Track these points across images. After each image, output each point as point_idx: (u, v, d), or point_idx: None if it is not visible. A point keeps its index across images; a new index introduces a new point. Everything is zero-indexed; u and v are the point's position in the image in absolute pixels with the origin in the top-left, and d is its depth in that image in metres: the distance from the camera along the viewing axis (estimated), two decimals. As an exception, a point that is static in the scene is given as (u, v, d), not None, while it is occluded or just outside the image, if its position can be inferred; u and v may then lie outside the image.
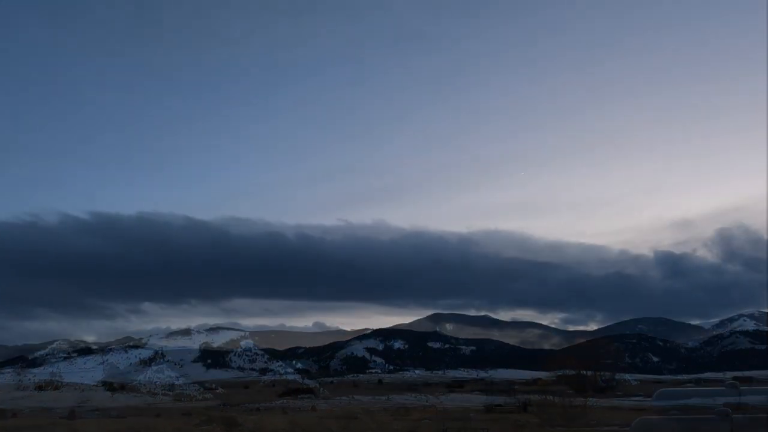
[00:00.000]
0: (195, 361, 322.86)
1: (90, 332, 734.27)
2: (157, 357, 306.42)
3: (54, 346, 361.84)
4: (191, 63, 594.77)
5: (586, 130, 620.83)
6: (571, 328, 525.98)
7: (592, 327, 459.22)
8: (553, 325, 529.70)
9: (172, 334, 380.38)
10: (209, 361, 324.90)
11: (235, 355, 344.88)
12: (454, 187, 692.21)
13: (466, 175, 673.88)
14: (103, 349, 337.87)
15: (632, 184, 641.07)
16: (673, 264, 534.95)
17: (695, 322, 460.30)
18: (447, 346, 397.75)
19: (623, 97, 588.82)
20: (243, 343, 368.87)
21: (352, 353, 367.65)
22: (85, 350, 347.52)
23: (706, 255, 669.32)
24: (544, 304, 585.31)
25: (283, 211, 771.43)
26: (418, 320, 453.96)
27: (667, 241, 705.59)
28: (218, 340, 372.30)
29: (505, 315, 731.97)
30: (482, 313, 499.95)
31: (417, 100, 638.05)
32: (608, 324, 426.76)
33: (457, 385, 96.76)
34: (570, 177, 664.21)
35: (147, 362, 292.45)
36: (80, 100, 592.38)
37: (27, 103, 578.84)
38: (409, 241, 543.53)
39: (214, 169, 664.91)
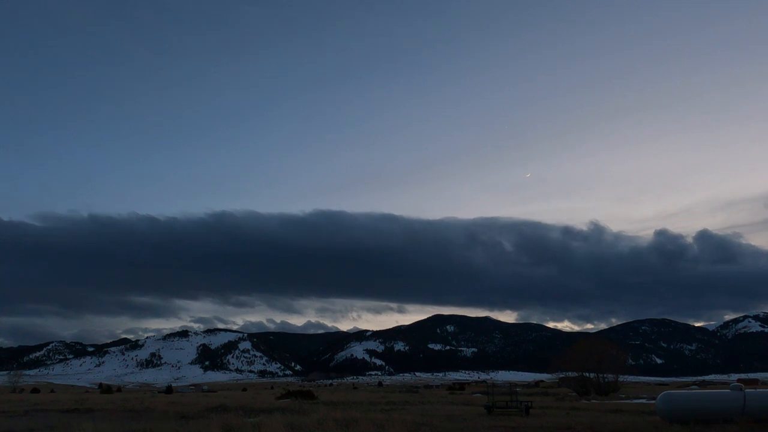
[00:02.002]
0: (193, 362, 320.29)
1: (86, 333, 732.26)
2: (155, 359, 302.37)
3: (50, 347, 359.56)
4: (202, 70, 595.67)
5: (628, 104, 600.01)
6: (576, 328, 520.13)
7: (597, 327, 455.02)
8: (555, 327, 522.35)
9: (169, 335, 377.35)
10: (207, 362, 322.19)
11: (233, 356, 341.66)
12: (461, 172, 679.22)
13: (479, 158, 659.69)
14: (100, 351, 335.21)
15: (678, 163, 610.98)
16: (717, 248, 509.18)
17: (698, 323, 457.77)
18: (448, 347, 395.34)
19: (670, 72, 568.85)
20: (241, 345, 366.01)
21: (352, 355, 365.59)
22: (81, 352, 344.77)
23: (755, 240, 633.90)
24: (557, 299, 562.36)
25: (275, 205, 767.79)
26: (418, 321, 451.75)
27: (714, 225, 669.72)
28: (216, 342, 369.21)
29: (509, 315, 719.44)
30: (484, 315, 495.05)
31: (433, 84, 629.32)
32: (611, 326, 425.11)
33: (458, 387, 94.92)
34: (611, 156, 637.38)
35: (144, 364, 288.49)
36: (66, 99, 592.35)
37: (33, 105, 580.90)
38: (409, 232, 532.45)
39: (205, 164, 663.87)
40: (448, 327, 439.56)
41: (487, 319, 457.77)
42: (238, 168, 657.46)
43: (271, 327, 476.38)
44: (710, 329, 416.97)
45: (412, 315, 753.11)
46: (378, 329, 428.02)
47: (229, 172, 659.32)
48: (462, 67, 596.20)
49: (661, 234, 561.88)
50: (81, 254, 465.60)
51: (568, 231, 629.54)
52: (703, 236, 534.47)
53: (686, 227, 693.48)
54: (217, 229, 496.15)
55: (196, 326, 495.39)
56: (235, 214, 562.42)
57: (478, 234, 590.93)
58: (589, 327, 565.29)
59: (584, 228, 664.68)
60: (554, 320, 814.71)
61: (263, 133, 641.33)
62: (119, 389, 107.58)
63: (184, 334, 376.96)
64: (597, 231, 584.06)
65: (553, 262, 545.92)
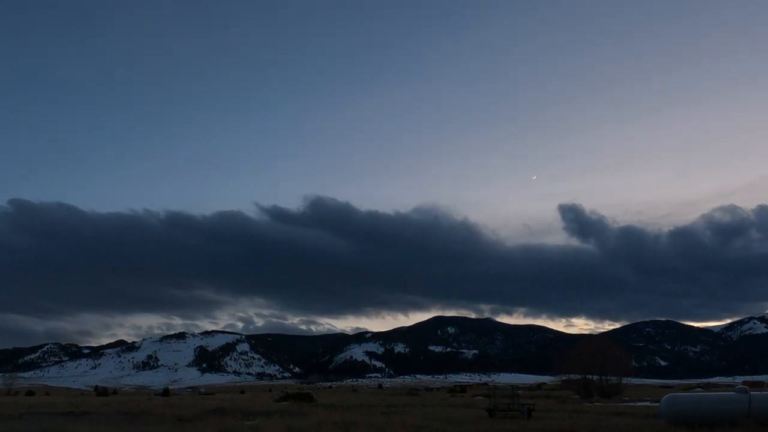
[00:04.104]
0: (190, 365, 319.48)
1: (82, 335, 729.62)
2: (151, 361, 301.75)
3: (45, 349, 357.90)
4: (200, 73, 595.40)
5: (687, 75, 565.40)
6: (591, 324, 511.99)
7: (617, 323, 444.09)
8: (556, 328, 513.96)
9: (166, 337, 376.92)
10: (204, 365, 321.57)
11: (231, 358, 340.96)
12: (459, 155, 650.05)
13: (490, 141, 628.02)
14: (96, 353, 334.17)
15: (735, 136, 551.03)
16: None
17: (702, 324, 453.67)
18: (449, 349, 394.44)
19: (729, 42, 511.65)
20: (239, 347, 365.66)
21: (351, 357, 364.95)
22: (77, 354, 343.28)
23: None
24: (575, 291, 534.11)
25: (271, 200, 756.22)
26: (419, 323, 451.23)
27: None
28: (213, 344, 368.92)
29: (517, 309, 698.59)
30: (485, 316, 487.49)
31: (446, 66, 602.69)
32: (614, 327, 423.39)
33: (458, 389, 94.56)
34: (668, 126, 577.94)
35: (140, 366, 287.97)
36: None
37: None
38: (412, 226, 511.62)
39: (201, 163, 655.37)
40: (449, 328, 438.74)
41: (488, 320, 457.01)
42: (233, 164, 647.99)
43: (270, 328, 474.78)
44: (715, 331, 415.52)
45: (413, 316, 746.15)
46: (378, 330, 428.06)
47: (224, 169, 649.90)
48: (490, 29, 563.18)
49: (712, 214, 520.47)
50: (67, 248, 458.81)
51: (600, 212, 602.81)
52: (763, 211, 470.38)
53: (744, 204, 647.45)
54: (215, 226, 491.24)
55: (191, 325, 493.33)
56: (232, 212, 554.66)
57: (493, 218, 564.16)
58: (607, 324, 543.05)
59: (619, 208, 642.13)
60: (567, 315, 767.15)
61: (259, 128, 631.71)
62: (115, 391, 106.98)
63: (181, 336, 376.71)
64: (632, 212, 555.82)
65: (582, 245, 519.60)
